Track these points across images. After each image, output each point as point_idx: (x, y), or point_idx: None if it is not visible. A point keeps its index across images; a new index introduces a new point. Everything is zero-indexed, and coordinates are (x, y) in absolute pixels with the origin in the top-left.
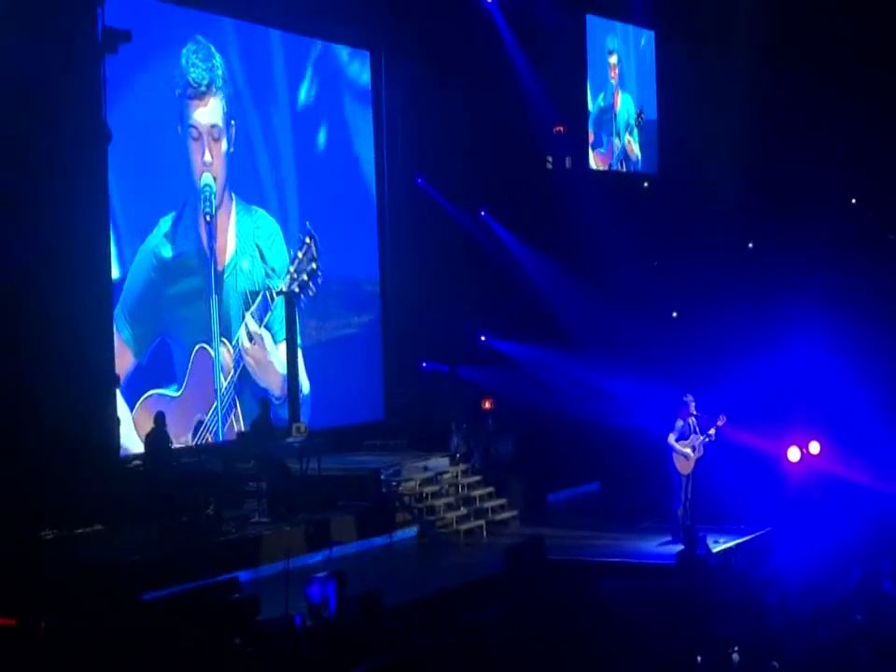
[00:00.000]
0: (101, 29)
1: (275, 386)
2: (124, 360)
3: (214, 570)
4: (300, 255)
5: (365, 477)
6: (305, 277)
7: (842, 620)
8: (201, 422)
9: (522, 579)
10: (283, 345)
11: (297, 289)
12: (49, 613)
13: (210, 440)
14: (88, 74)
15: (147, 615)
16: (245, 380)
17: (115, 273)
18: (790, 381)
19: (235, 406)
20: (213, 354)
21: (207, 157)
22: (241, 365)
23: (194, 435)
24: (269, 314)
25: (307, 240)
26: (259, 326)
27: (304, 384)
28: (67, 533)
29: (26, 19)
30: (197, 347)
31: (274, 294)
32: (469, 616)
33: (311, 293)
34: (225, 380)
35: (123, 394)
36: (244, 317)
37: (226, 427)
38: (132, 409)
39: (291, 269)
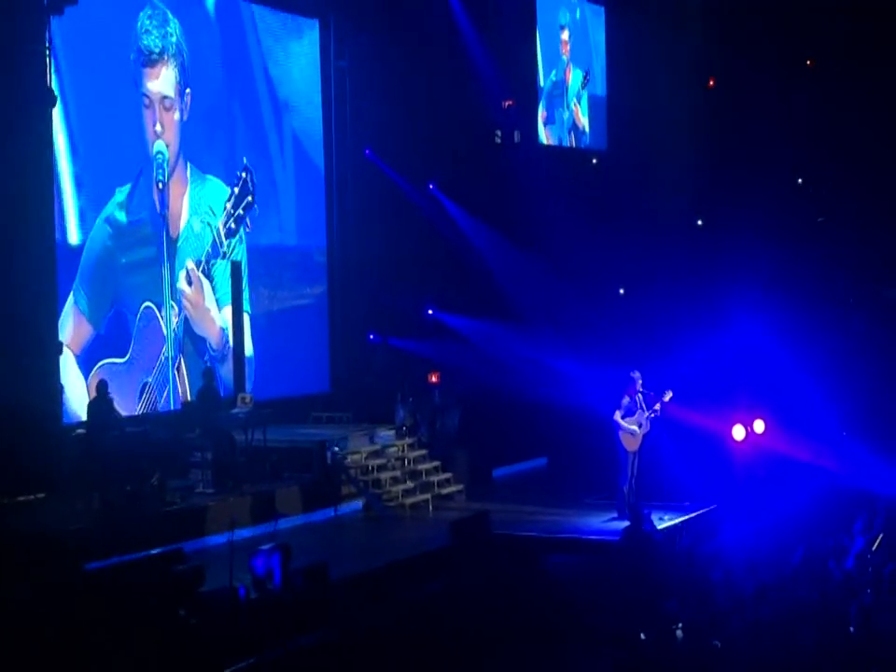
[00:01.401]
0: None
1: (213, 337)
2: (82, 331)
3: (158, 541)
4: (235, 190)
5: (311, 449)
6: (241, 211)
7: (785, 597)
8: (146, 384)
9: (467, 553)
10: (228, 309)
11: (234, 225)
12: None
13: (155, 401)
14: (33, 36)
15: (90, 585)
16: (186, 330)
17: (75, 239)
18: (735, 360)
19: (179, 360)
20: (160, 315)
21: (158, 127)
22: (182, 314)
23: (139, 398)
24: (206, 255)
25: (243, 174)
26: (198, 268)
27: (248, 348)
28: (9, 500)
29: None
30: (143, 307)
31: (213, 234)
32: (413, 589)
33: (247, 229)
34: (173, 338)
35: (80, 364)
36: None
37: (169, 387)
38: (87, 378)
39: (228, 204)
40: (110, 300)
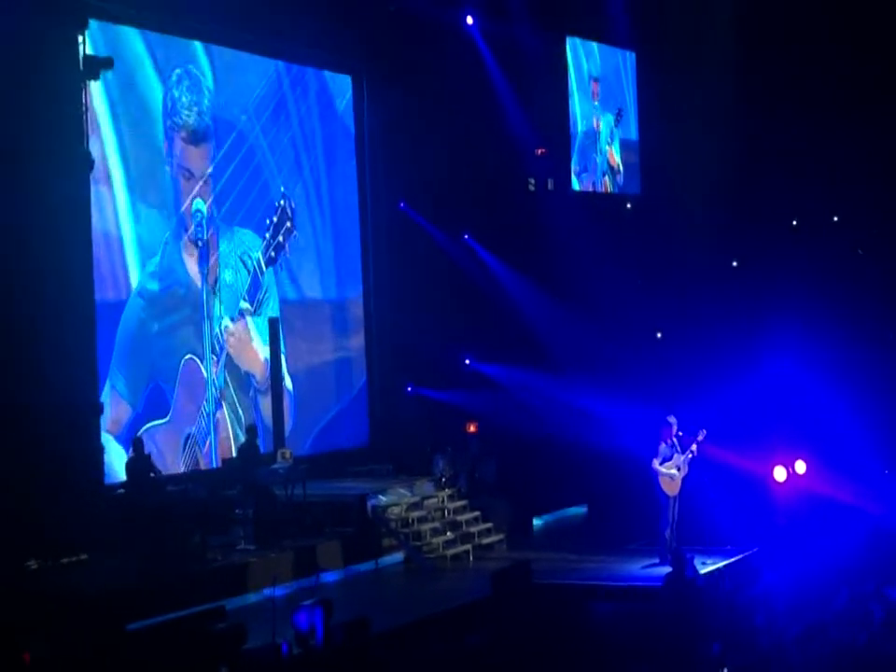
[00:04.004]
0: (82, 56)
1: (258, 370)
2: (121, 412)
3: (200, 598)
4: (274, 219)
5: (350, 503)
6: (281, 239)
7: (829, 640)
8: (189, 435)
9: (509, 603)
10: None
11: (273, 254)
12: (34, 644)
13: (198, 454)
14: (70, 101)
15: (132, 645)
16: (230, 371)
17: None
18: (775, 400)
19: (221, 405)
20: (202, 367)
21: (196, 187)
22: (222, 360)
23: (183, 451)
24: (246, 287)
25: (280, 202)
26: (239, 315)
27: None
28: (52, 563)
29: (6, 46)
30: (185, 359)
31: (254, 265)
32: (455, 641)
33: (287, 255)
34: (214, 387)
35: (121, 441)
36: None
37: (211, 437)
38: (127, 450)
39: (267, 235)
40: (147, 374)
